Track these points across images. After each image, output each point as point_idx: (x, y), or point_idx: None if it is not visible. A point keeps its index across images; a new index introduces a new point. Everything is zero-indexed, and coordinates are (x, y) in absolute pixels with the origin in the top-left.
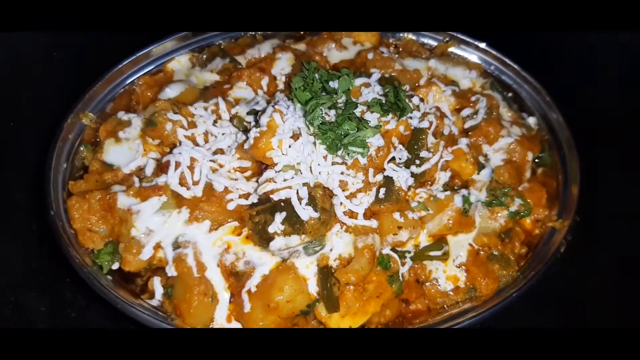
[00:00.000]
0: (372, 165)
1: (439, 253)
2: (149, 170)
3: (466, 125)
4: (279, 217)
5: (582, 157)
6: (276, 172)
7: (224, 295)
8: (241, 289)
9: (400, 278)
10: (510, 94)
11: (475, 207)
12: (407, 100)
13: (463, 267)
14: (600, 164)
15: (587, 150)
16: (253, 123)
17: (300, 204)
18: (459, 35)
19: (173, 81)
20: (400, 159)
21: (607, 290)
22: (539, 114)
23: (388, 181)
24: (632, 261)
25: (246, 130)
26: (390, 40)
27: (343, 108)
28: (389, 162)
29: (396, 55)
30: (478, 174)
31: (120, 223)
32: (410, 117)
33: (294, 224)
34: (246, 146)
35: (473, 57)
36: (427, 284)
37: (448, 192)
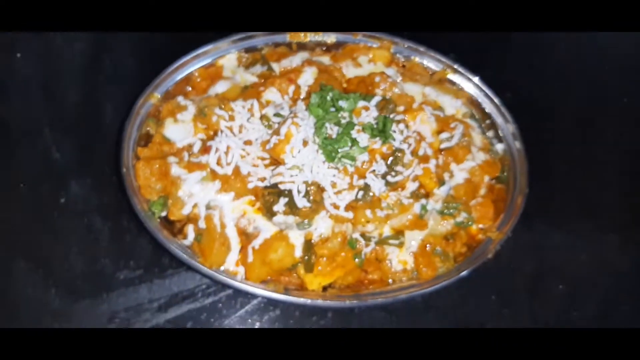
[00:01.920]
0: (356, 173)
1: (396, 242)
2: (195, 148)
3: (442, 146)
4: (282, 200)
5: (532, 184)
6: (285, 169)
7: (236, 247)
8: (248, 244)
9: (363, 256)
10: (488, 121)
11: (431, 213)
12: (394, 125)
13: (412, 254)
14: (547, 192)
15: (539, 176)
16: (275, 126)
17: (299, 195)
18: (456, 67)
19: (222, 78)
20: (378, 171)
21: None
22: (506, 142)
23: (366, 187)
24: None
25: (270, 128)
26: (401, 60)
27: (344, 126)
28: (370, 172)
29: (399, 79)
30: (439, 189)
31: (171, 185)
32: (394, 140)
33: (292, 207)
34: (268, 146)
35: (465, 85)
36: (384, 262)
37: (411, 200)
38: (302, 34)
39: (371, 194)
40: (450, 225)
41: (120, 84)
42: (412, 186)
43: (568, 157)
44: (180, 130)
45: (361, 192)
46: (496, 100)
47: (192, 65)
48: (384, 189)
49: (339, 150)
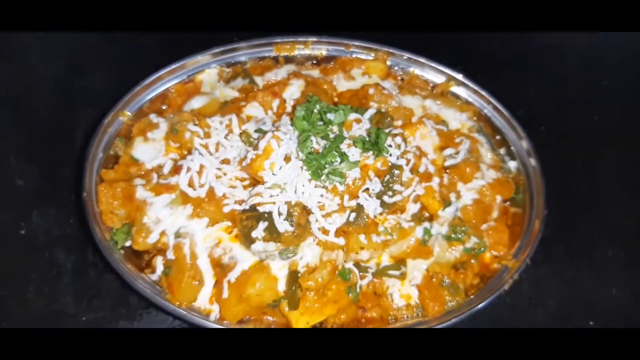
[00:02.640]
0: (347, 192)
1: (397, 273)
2: (166, 169)
3: (446, 163)
4: (262, 225)
5: (550, 206)
6: (265, 189)
7: (209, 281)
8: (224, 278)
9: (358, 289)
10: (498, 137)
11: (436, 238)
12: (389, 139)
13: (416, 287)
14: (570, 214)
15: (558, 197)
16: (255, 143)
17: (280, 218)
18: (459, 77)
19: (199, 93)
20: (373, 190)
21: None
22: (519, 158)
23: (359, 208)
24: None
25: (250, 145)
26: (398, 74)
27: (332, 140)
28: (363, 191)
29: (396, 91)
30: (443, 210)
31: (136, 210)
32: (390, 155)
33: (272, 233)
34: (244, 163)
35: (472, 99)
36: (383, 297)
37: (412, 224)
38: (288, 45)
39: (365, 216)
40: (459, 252)
41: (95, 106)
42: (412, 208)
43: (588, 176)
44: (150, 150)
45: (353, 215)
46: (507, 113)
47: (168, 81)
48: (380, 210)
49: (326, 166)
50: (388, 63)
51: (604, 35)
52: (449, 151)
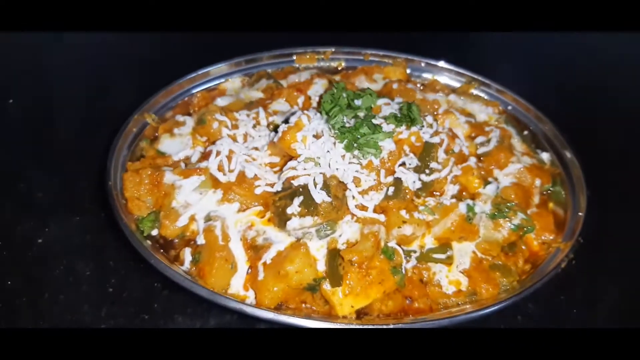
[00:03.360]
0: (383, 167)
1: (443, 256)
2: (194, 159)
3: (479, 152)
4: (297, 200)
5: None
6: (298, 162)
7: (243, 266)
8: (258, 261)
9: (403, 270)
10: (526, 132)
11: (480, 218)
12: (420, 117)
13: (465, 273)
14: (609, 200)
15: (596, 186)
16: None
17: (316, 188)
18: (480, 78)
19: (224, 95)
20: (410, 164)
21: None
22: (552, 151)
23: (397, 182)
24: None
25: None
26: (417, 80)
27: (362, 118)
28: (399, 166)
29: (420, 90)
30: (484, 188)
31: (165, 196)
32: (422, 130)
33: (309, 206)
34: (275, 139)
35: (492, 98)
36: (430, 285)
37: (454, 200)
38: (308, 56)
39: (405, 190)
40: (507, 230)
41: (116, 117)
42: (451, 189)
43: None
44: (176, 144)
45: (392, 189)
46: (532, 107)
47: (191, 88)
48: (419, 184)
49: (359, 138)
50: (408, 71)
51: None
52: (480, 139)
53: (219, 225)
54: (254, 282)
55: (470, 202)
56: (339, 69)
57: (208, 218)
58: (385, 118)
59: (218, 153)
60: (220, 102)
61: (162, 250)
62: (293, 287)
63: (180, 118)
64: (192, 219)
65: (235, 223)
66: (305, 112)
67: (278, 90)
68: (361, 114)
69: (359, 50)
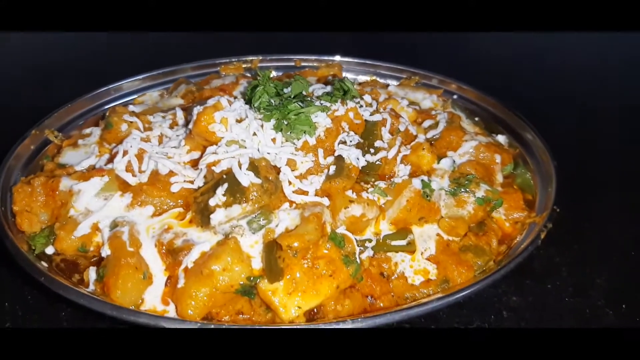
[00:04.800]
0: (321, 146)
1: (403, 242)
2: (99, 166)
3: (427, 136)
4: (220, 189)
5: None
6: (219, 146)
7: (160, 277)
8: (178, 267)
9: (358, 260)
10: (477, 118)
11: (439, 195)
12: (354, 88)
13: (432, 260)
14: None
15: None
16: None
17: (241, 170)
18: (420, 71)
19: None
20: (351, 141)
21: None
22: (508, 133)
23: (338, 159)
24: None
25: None
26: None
27: (291, 99)
28: (339, 144)
29: (357, 86)
30: (438, 163)
31: (61, 206)
32: (361, 107)
33: (234, 192)
34: (190, 125)
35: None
36: (393, 277)
37: (406, 177)
38: (234, 65)
39: (349, 167)
40: (472, 205)
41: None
42: (402, 170)
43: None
44: (80, 154)
45: (333, 168)
46: (485, 95)
47: (103, 103)
48: (364, 161)
49: (288, 115)
50: (343, 74)
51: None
52: (427, 123)
53: (127, 230)
54: (174, 293)
55: (425, 177)
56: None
57: (114, 225)
58: (318, 97)
59: (125, 152)
60: (134, 108)
61: (61, 272)
62: (222, 292)
63: (86, 130)
64: (95, 228)
65: (147, 229)
66: (224, 98)
67: (199, 93)
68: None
69: (289, 57)
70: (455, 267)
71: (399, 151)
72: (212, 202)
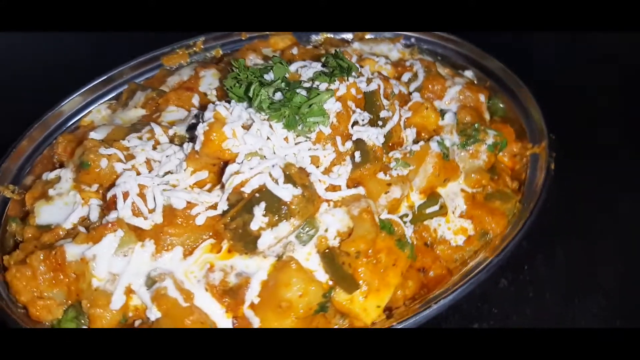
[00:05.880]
0: (337, 133)
1: (436, 208)
2: (94, 216)
3: (411, 89)
4: (258, 210)
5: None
6: (240, 163)
7: (224, 322)
8: (242, 306)
9: (409, 240)
10: (439, 58)
11: (453, 151)
12: (353, 63)
13: (465, 216)
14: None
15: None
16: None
17: (278, 185)
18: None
19: (95, 128)
20: (363, 120)
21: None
22: (473, 66)
23: (359, 144)
24: None
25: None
26: (309, 44)
27: (287, 89)
28: (352, 125)
29: (321, 48)
30: (442, 119)
31: (77, 279)
32: (356, 76)
33: (277, 210)
34: (197, 147)
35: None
36: (437, 245)
37: (422, 143)
38: (179, 52)
39: (372, 148)
40: (485, 154)
41: None
42: (410, 134)
43: None
44: (59, 208)
45: (358, 154)
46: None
47: (48, 136)
48: (382, 138)
49: (299, 108)
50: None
51: None
52: (407, 76)
53: (170, 284)
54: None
55: (438, 138)
56: (218, 57)
57: (151, 281)
58: (312, 79)
59: (126, 195)
60: (95, 135)
61: None
62: (303, 317)
63: (50, 175)
64: (129, 291)
65: (185, 274)
66: (218, 102)
67: (163, 98)
68: (282, 86)
69: (233, 33)
70: (489, 218)
71: (400, 115)
72: (254, 226)
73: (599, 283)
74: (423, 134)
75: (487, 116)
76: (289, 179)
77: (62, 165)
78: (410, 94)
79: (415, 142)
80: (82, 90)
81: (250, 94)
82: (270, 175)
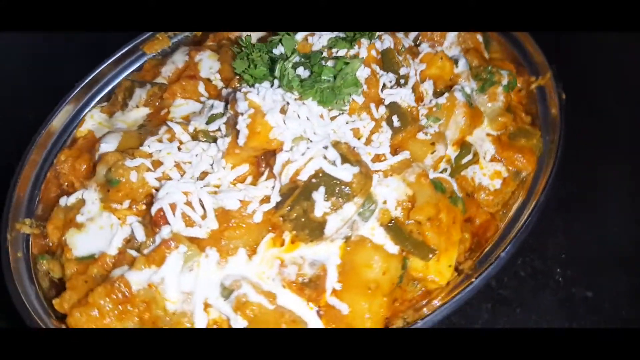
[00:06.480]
0: (370, 100)
1: (470, 157)
2: (139, 236)
3: (411, 39)
4: (318, 195)
5: None
6: (288, 150)
7: (309, 316)
8: (324, 294)
9: (459, 194)
10: None
11: (473, 98)
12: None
13: (495, 160)
14: None
15: None
16: (223, 130)
17: (336, 167)
18: None
19: (102, 136)
20: (390, 82)
21: None
22: None
23: (393, 107)
24: None
25: (216, 140)
26: None
27: (309, 62)
28: (382, 90)
29: None
30: (457, 66)
31: (148, 307)
32: (372, 38)
33: (339, 192)
34: (240, 142)
35: None
36: (476, 194)
37: (447, 94)
38: (157, 37)
39: (407, 110)
40: (502, 95)
41: None
42: (428, 87)
43: None
44: (95, 234)
45: (395, 119)
46: None
47: (47, 158)
48: (413, 96)
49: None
50: None
51: None
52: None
53: (249, 289)
54: (340, 319)
55: (458, 87)
56: (199, 36)
57: (227, 291)
58: (328, 47)
59: (173, 207)
60: (106, 146)
61: None
62: (389, 293)
63: (69, 200)
64: (207, 306)
65: (258, 275)
66: (244, 89)
67: (167, 92)
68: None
69: None
70: (519, 157)
71: (415, 70)
72: (317, 212)
73: None
74: (440, 86)
75: (487, 55)
76: (344, 158)
77: (71, 186)
78: (417, 45)
79: (435, 94)
80: (69, 98)
81: (277, 74)
82: (325, 157)
